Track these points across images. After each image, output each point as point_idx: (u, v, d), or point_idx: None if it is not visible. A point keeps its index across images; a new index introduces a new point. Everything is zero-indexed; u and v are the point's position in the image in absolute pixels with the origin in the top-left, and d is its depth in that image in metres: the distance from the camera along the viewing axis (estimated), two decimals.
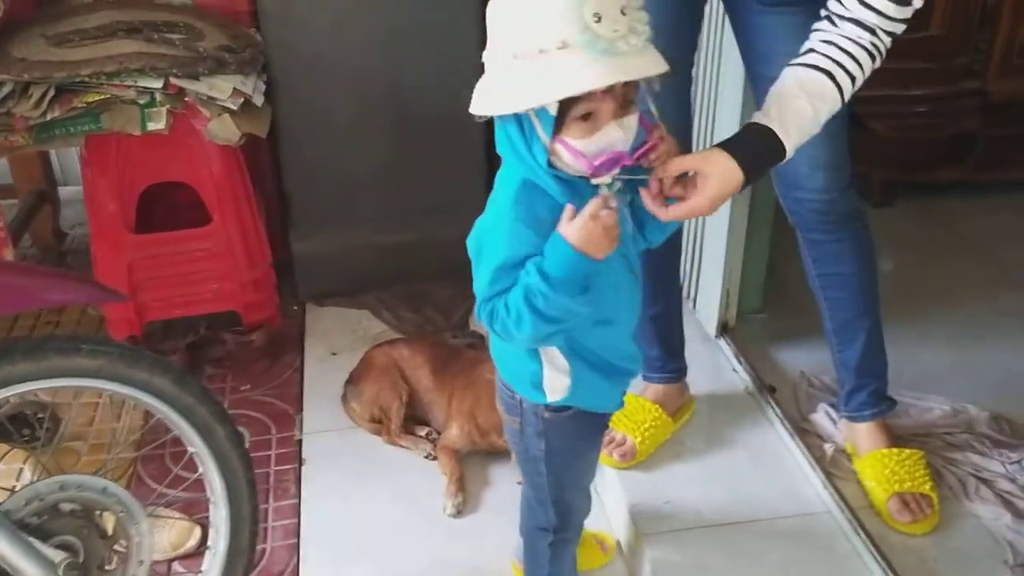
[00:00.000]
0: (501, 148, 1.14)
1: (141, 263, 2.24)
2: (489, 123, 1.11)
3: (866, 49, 1.20)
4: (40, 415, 1.93)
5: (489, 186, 1.18)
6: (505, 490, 1.87)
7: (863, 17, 1.19)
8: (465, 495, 1.86)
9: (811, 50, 1.21)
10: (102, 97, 2.00)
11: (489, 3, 1.06)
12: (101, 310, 2.40)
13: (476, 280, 1.16)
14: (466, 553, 1.74)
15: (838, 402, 1.81)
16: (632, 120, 1.07)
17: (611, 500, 1.78)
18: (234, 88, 2.08)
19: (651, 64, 1.01)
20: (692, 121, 1.75)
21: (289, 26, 2.27)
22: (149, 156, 2.16)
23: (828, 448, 1.79)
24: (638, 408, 1.82)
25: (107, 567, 1.38)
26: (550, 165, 1.09)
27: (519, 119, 1.07)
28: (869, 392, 1.74)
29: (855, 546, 1.60)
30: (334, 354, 2.32)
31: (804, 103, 1.17)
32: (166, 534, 1.78)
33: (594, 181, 1.09)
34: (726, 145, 1.15)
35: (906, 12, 1.20)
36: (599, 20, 0.97)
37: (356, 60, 2.32)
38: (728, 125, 1.92)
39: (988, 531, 1.64)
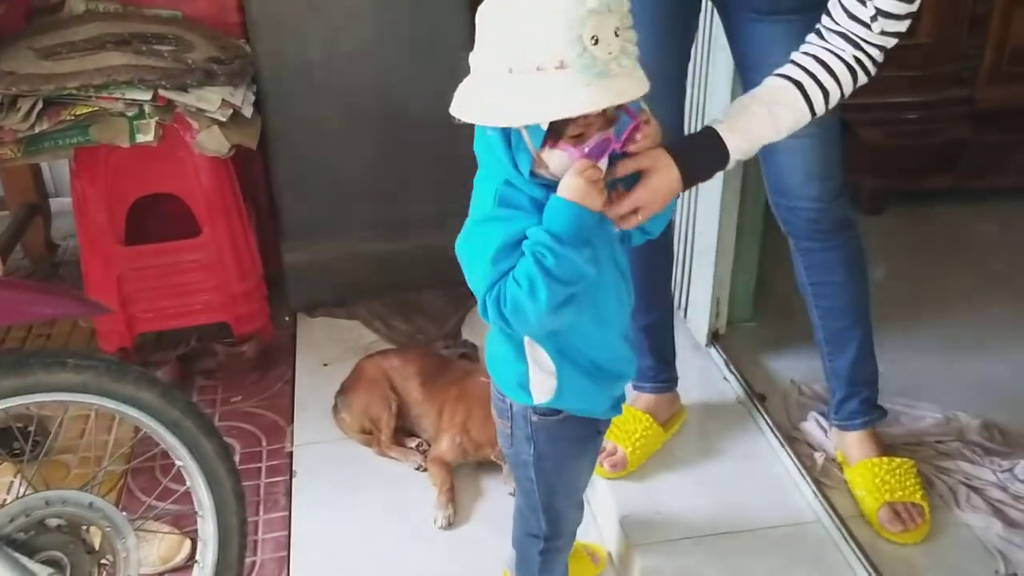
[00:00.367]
0: (480, 151, 1.16)
1: (131, 275, 2.24)
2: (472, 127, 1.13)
3: (846, 63, 1.21)
4: (29, 428, 1.93)
5: None
6: (496, 501, 1.87)
7: (850, 30, 1.20)
8: (456, 507, 1.85)
9: (791, 61, 1.23)
10: (90, 109, 2.00)
11: (482, 7, 1.06)
12: (92, 322, 2.39)
13: (473, 277, 1.15)
14: (457, 565, 1.74)
15: (829, 411, 1.81)
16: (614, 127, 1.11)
17: (602, 511, 1.78)
18: (223, 99, 2.08)
19: (639, 85, 1.05)
20: (684, 130, 1.75)
21: (279, 37, 2.27)
22: (138, 168, 2.16)
23: (819, 457, 1.78)
24: (629, 418, 1.81)
25: None
26: (532, 174, 1.11)
27: (505, 129, 1.09)
28: (860, 400, 1.74)
29: (846, 556, 1.60)
30: (325, 365, 2.31)
31: (762, 110, 1.20)
32: (155, 548, 1.78)
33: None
34: (671, 147, 1.18)
35: (897, 25, 1.20)
36: (596, 42, 0.99)
37: (346, 70, 2.32)
38: None
39: (979, 540, 1.64)
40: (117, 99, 2.01)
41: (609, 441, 1.78)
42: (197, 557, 1.53)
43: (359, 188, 2.45)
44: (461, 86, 1.10)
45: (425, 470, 1.94)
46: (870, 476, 1.68)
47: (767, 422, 1.88)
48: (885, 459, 1.70)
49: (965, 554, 1.62)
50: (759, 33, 1.43)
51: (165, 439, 1.45)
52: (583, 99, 1.01)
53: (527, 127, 1.07)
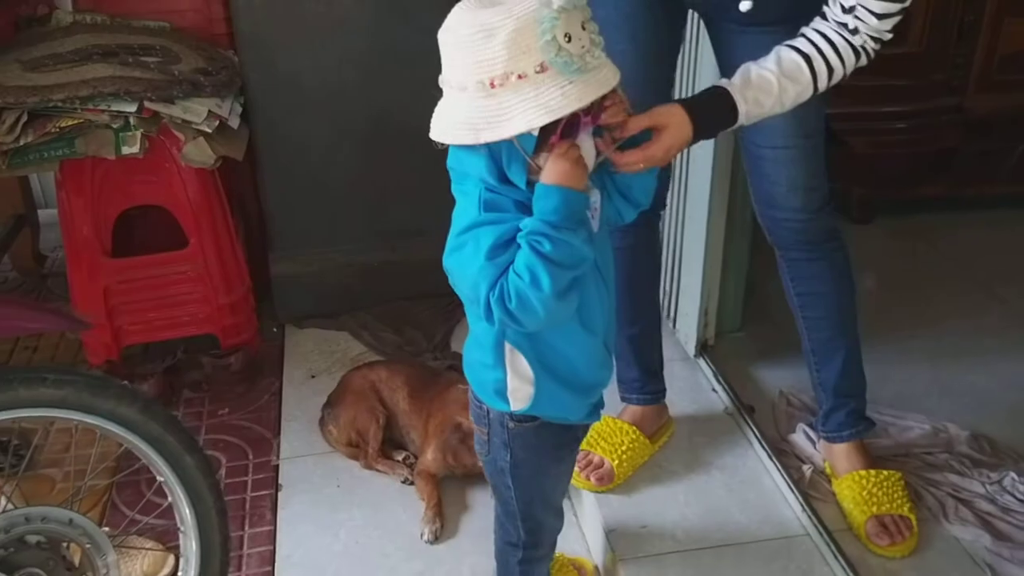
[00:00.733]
0: (456, 166, 1.16)
1: (117, 287, 2.22)
2: None
3: (852, 45, 1.25)
4: (16, 442, 1.92)
5: None
6: (483, 515, 1.85)
7: (846, 20, 1.24)
8: (443, 520, 1.84)
9: (802, 34, 1.27)
10: (76, 122, 1.99)
11: (444, 32, 1.07)
12: (79, 334, 2.38)
13: (469, 283, 1.13)
14: None
15: (816, 422, 1.80)
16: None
17: (588, 524, 1.77)
18: (209, 111, 2.08)
19: (614, 72, 1.08)
20: None
21: (266, 48, 2.27)
22: (125, 180, 2.15)
23: (807, 470, 1.78)
24: (616, 430, 1.80)
25: None
26: (528, 184, 1.11)
27: (491, 147, 1.09)
28: (847, 412, 1.73)
29: (833, 570, 1.59)
30: (313, 377, 2.30)
31: (771, 77, 1.24)
32: (138, 563, 1.76)
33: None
34: (683, 101, 1.23)
35: (888, 14, 1.22)
36: (569, 40, 1.02)
37: (334, 81, 2.31)
38: (703, 143, 1.91)
39: (967, 553, 1.62)
40: (103, 111, 1.99)
41: (595, 454, 1.77)
42: (180, 574, 1.51)
43: (347, 199, 2.45)
44: (438, 110, 1.10)
45: (412, 483, 1.93)
46: (857, 489, 1.67)
47: (755, 434, 1.87)
48: (873, 471, 1.69)
49: (953, 567, 1.61)
50: (744, 44, 1.43)
51: (146, 455, 1.44)
52: (573, 95, 1.03)
53: (519, 138, 1.07)
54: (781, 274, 1.69)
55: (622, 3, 1.46)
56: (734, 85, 1.24)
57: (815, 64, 1.24)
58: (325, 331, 2.48)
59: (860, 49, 1.26)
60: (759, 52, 1.33)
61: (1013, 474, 1.75)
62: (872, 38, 1.25)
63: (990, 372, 2.13)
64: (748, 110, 1.24)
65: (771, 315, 2.18)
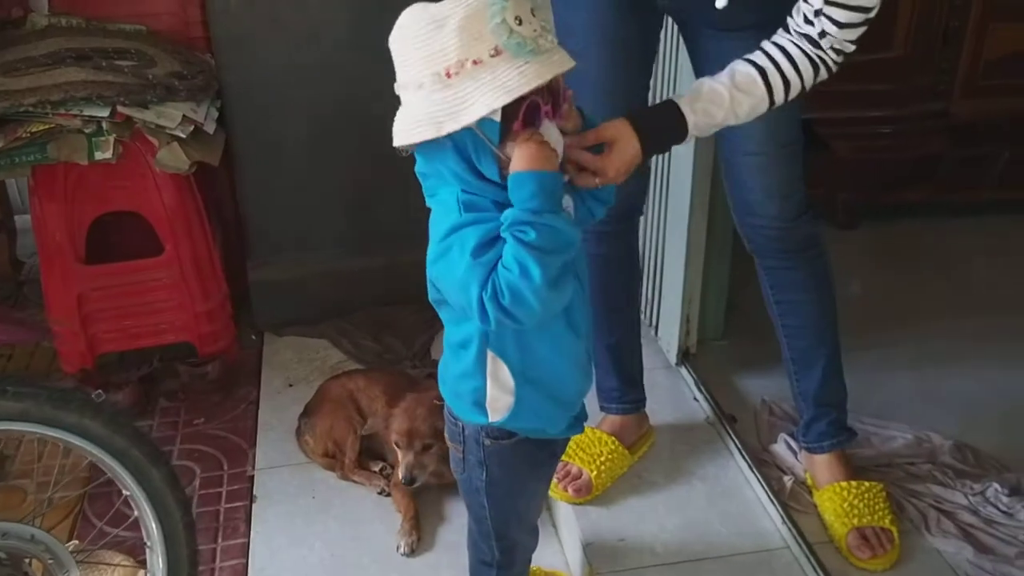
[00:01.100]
0: (427, 172, 1.14)
1: (92, 294, 2.19)
2: None
3: (809, 57, 1.23)
4: None
5: None
6: (460, 527, 1.80)
7: (809, 32, 1.21)
8: (419, 533, 1.81)
9: (760, 48, 1.25)
10: (47, 127, 1.96)
11: (395, 36, 1.07)
12: (53, 343, 2.34)
13: (459, 287, 1.09)
14: None
15: (797, 432, 1.77)
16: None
17: (566, 536, 1.74)
18: (184, 115, 2.05)
19: (569, 58, 1.07)
20: None
21: (243, 51, 2.24)
22: (99, 185, 2.12)
23: (787, 481, 1.75)
24: (594, 440, 1.78)
25: None
26: (501, 177, 1.09)
27: (455, 140, 1.07)
28: (828, 422, 1.71)
29: None
30: (291, 385, 2.27)
31: (723, 89, 1.22)
32: None
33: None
34: (630, 115, 1.21)
35: (849, 34, 1.19)
36: (520, 23, 1.01)
37: (312, 84, 2.29)
38: (683, 150, 1.89)
39: (949, 566, 1.60)
40: (75, 116, 1.96)
41: (573, 464, 1.74)
42: None
43: (326, 204, 2.42)
44: (398, 118, 1.09)
45: (388, 495, 1.90)
46: (838, 500, 1.65)
47: (736, 444, 1.84)
48: (854, 483, 1.67)
49: None
50: (719, 49, 1.41)
51: (111, 468, 1.41)
52: (530, 74, 1.02)
53: (483, 128, 1.05)
54: (760, 282, 1.67)
55: (595, 9, 1.44)
56: (683, 98, 1.22)
57: (770, 77, 1.23)
58: (304, 338, 2.45)
59: (819, 62, 1.23)
60: (735, 58, 1.31)
61: (996, 485, 1.72)
62: (835, 50, 1.23)
63: (975, 379, 2.11)
64: (697, 121, 1.22)
65: (754, 323, 2.14)
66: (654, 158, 2.04)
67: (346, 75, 2.27)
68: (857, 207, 2.79)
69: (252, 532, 1.85)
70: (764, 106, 1.24)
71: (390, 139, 2.53)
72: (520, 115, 1.05)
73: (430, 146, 1.08)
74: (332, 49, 2.26)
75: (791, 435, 1.83)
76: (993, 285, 2.51)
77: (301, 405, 2.09)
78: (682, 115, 1.21)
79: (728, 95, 1.22)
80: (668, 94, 1.89)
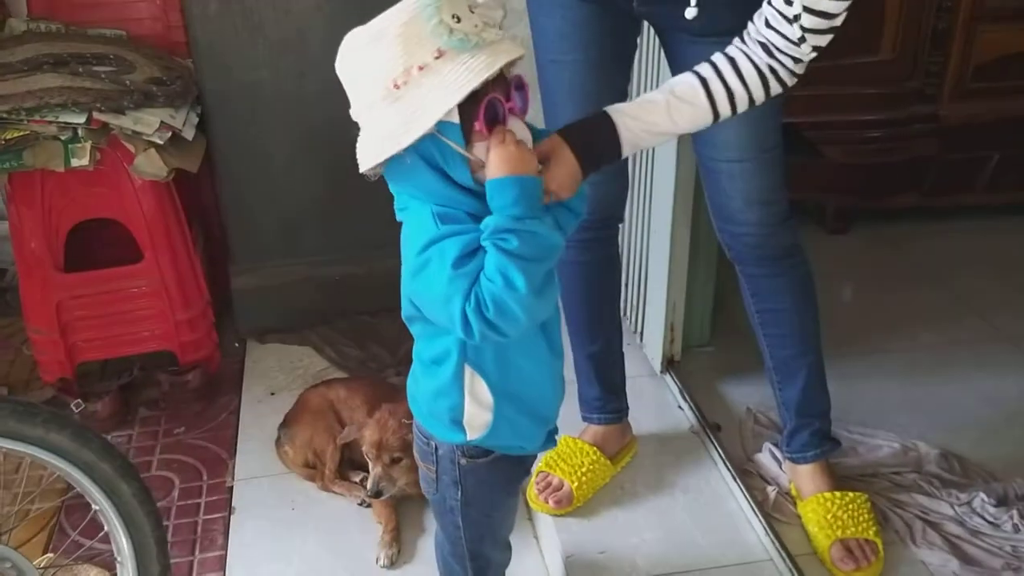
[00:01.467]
0: (399, 189, 1.11)
1: (71, 302, 2.17)
2: None
3: (758, 69, 1.19)
4: None
5: None
6: None
7: (768, 39, 1.18)
8: (400, 545, 1.78)
9: (708, 59, 1.22)
10: (22, 133, 1.93)
11: (340, 60, 1.06)
12: (33, 351, 2.32)
13: (440, 303, 1.06)
14: None
15: (781, 442, 1.75)
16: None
17: (547, 549, 1.72)
18: (162, 122, 2.02)
19: (517, 46, 1.05)
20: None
21: (223, 57, 2.21)
22: (77, 193, 2.09)
23: (771, 491, 1.73)
24: (576, 451, 1.75)
25: None
26: (476, 183, 1.07)
27: (421, 152, 1.04)
28: (811, 432, 1.68)
29: None
30: (272, 394, 2.24)
31: (660, 100, 1.18)
32: None
33: None
34: (563, 130, 1.17)
35: (819, 39, 1.16)
36: (459, 20, 1.00)
37: (294, 91, 2.26)
38: (666, 156, 1.87)
39: None
40: (50, 122, 1.94)
41: (554, 475, 1.72)
42: None
43: (309, 210, 2.39)
44: (359, 145, 1.07)
45: (369, 506, 1.87)
46: (822, 511, 1.63)
47: (720, 454, 1.82)
48: (838, 493, 1.65)
49: None
50: (696, 55, 1.37)
51: (79, 483, 1.38)
52: (478, 68, 1.00)
53: (447, 133, 1.03)
54: (741, 290, 1.64)
55: (571, 12, 1.42)
56: (618, 108, 1.18)
57: (711, 86, 1.18)
58: (287, 346, 2.42)
59: (769, 74, 1.19)
60: None
61: (983, 495, 1.70)
62: (793, 58, 1.18)
63: (963, 387, 2.09)
64: (630, 124, 1.17)
65: (741, 329, 2.10)
66: (636, 163, 2.02)
67: (328, 81, 2.22)
68: (847, 211, 2.77)
69: (230, 544, 1.83)
70: (707, 116, 1.19)
71: None
72: (480, 114, 1.03)
73: (396, 165, 1.05)
74: (314, 54, 2.23)
75: (776, 444, 1.81)
76: (983, 290, 2.49)
77: (283, 414, 2.06)
78: (615, 127, 1.16)
79: (665, 103, 1.17)
80: None
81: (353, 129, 2.48)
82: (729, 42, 1.29)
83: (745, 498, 1.71)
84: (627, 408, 1.83)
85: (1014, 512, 1.67)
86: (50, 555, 1.78)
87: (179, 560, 1.80)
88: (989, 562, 1.60)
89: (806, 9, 1.12)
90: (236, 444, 2.10)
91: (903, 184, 2.69)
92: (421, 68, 0.99)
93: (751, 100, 1.19)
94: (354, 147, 2.36)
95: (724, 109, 1.19)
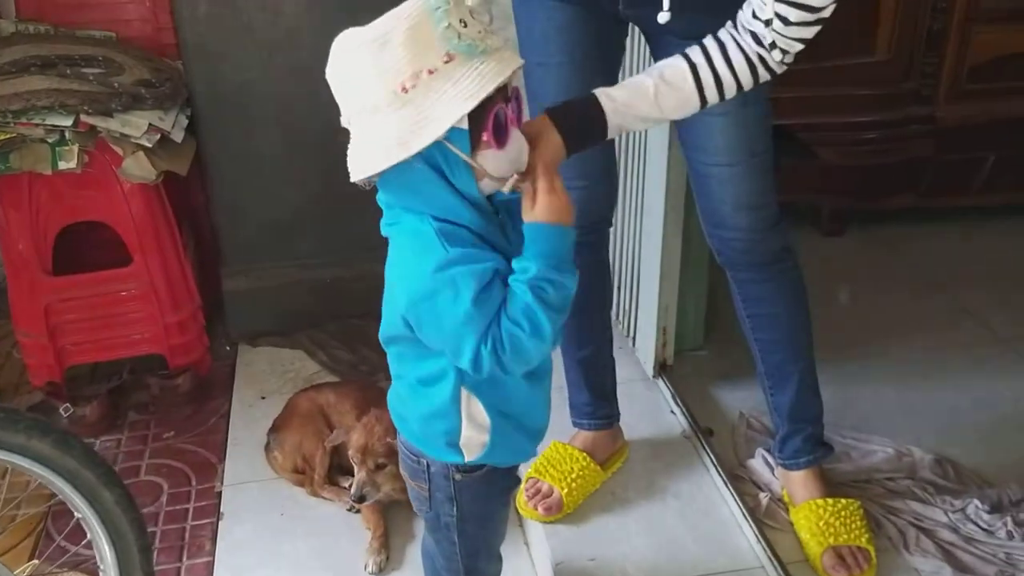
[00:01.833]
0: (392, 200, 1.08)
1: (59, 306, 2.16)
2: None
3: (747, 57, 1.17)
4: None
5: None
6: None
7: (756, 29, 1.16)
8: (388, 552, 1.77)
9: (698, 42, 1.20)
10: (8, 136, 1.92)
11: (337, 63, 1.02)
12: (22, 355, 2.30)
13: (448, 333, 1.04)
14: None
15: (773, 448, 1.73)
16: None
17: (537, 555, 1.70)
18: (150, 124, 2.01)
19: (516, 56, 1.04)
20: (616, 153, 1.67)
21: (213, 58, 2.20)
22: (65, 195, 2.08)
23: (763, 498, 1.71)
24: (566, 457, 1.74)
25: None
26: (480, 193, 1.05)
27: (426, 158, 1.01)
28: (803, 438, 1.67)
29: None
30: (263, 398, 2.23)
31: (648, 82, 1.17)
32: None
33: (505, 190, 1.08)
34: (549, 110, 1.15)
35: (801, 32, 1.15)
36: (466, 25, 0.98)
37: (284, 92, 2.24)
38: (657, 158, 1.86)
39: None
40: (37, 125, 1.93)
41: (544, 481, 1.70)
42: None
43: (301, 212, 2.38)
44: (354, 151, 1.03)
45: (358, 511, 1.86)
46: (814, 518, 1.61)
47: (712, 460, 1.80)
48: (830, 500, 1.63)
49: None
50: None
51: (61, 490, 1.36)
52: (489, 75, 0.98)
53: (454, 140, 1.00)
54: (732, 295, 1.63)
55: (557, 15, 1.40)
56: (606, 90, 1.16)
57: (700, 73, 1.16)
58: (279, 349, 2.41)
59: (758, 63, 1.17)
60: None
61: (976, 501, 1.68)
62: (781, 50, 1.16)
63: (959, 390, 2.08)
64: (617, 110, 1.15)
65: (735, 332, 2.09)
66: (627, 166, 2.01)
67: (319, 82, 2.21)
68: (843, 213, 2.75)
69: (218, 551, 1.81)
70: (695, 102, 1.17)
71: None
72: (489, 124, 1.01)
73: (397, 174, 1.01)
74: (304, 56, 2.21)
75: (768, 450, 1.79)
76: (979, 292, 2.47)
77: (272, 418, 2.04)
78: (601, 108, 1.14)
79: (652, 87, 1.15)
80: None
81: (345, 133, 2.47)
82: None
83: (737, 504, 1.69)
84: (618, 414, 1.82)
85: (1008, 519, 1.65)
86: (34, 562, 1.77)
87: (166, 566, 1.79)
88: (983, 569, 1.58)
89: (792, 3, 1.10)
90: (226, 449, 2.08)
91: (899, 186, 2.67)
92: (431, 72, 0.97)
93: (739, 87, 1.18)
94: (345, 151, 2.34)
95: (712, 96, 1.18)
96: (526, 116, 1.13)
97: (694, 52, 1.18)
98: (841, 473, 1.77)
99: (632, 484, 1.78)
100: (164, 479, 2.02)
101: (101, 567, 1.42)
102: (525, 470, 1.73)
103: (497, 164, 1.04)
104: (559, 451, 1.74)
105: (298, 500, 1.92)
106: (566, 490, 1.69)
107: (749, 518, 1.65)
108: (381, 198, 1.11)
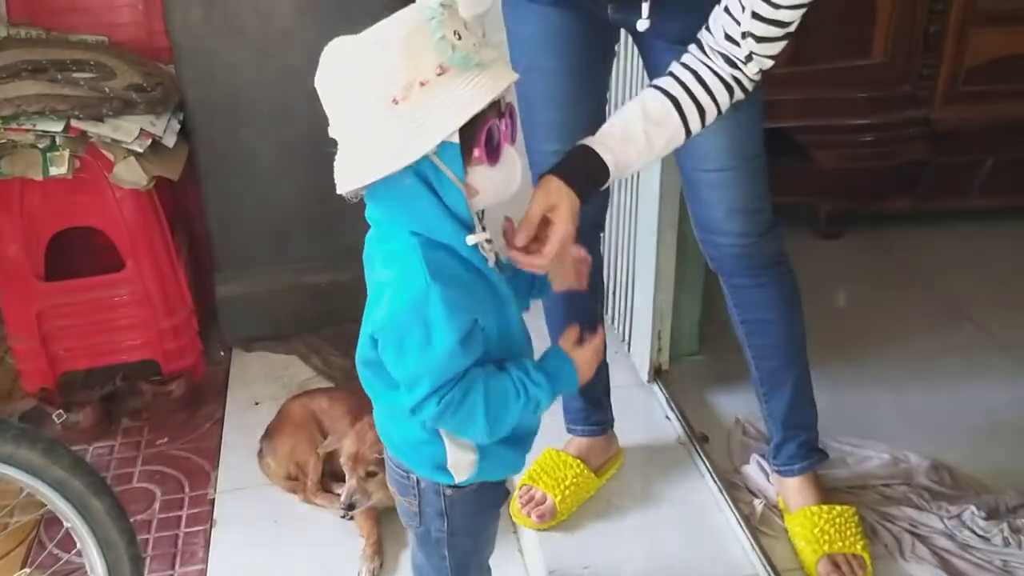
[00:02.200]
0: (384, 217, 1.06)
1: (52, 311, 2.15)
2: None
3: (724, 81, 1.16)
4: None
5: None
6: None
7: (728, 50, 1.15)
8: (382, 558, 1.76)
9: (670, 74, 1.18)
10: None
11: (328, 71, 0.99)
12: (14, 361, 2.29)
13: (403, 368, 1.04)
14: None
15: (768, 454, 1.72)
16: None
17: (531, 563, 1.69)
18: (142, 129, 2.00)
19: (510, 70, 1.02)
20: None
21: (206, 63, 2.19)
22: (56, 201, 2.07)
23: (758, 505, 1.70)
24: (559, 464, 1.72)
25: None
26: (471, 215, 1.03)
27: (417, 171, 0.98)
28: (798, 444, 1.65)
29: None
30: (257, 404, 2.22)
31: (637, 128, 1.16)
32: None
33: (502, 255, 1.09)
34: (556, 171, 1.13)
35: (769, 48, 1.14)
36: (460, 37, 0.95)
37: (277, 96, 2.23)
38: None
39: None
40: (27, 130, 1.92)
41: (537, 489, 1.69)
42: None
43: (294, 217, 2.37)
44: (343, 162, 1.00)
45: (352, 518, 1.85)
46: (809, 526, 1.60)
47: (707, 466, 1.79)
48: (825, 507, 1.62)
49: None
50: (672, 61, 1.35)
51: (50, 499, 1.36)
52: (482, 87, 0.96)
53: (444, 153, 0.97)
54: (726, 301, 1.61)
55: (547, 20, 1.39)
56: (595, 140, 1.15)
57: (683, 107, 1.15)
58: (273, 355, 2.40)
59: (733, 84, 1.17)
60: None
61: (973, 508, 1.67)
62: (754, 65, 1.16)
63: (955, 395, 2.07)
64: (616, 160, 1.14)
65: (731, 337, 2.08)
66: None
67: (311, 86, 2.21)
68: (840, 216, 2.74)
69: (210, 558, 1.80)
70: (680, 137, 1.17)
71: None
72: (481, 140, 0.99)
73: (385, 187, 0.99)
74: (298, 59, 2.18)
75: (763, 456, 1.78)
76: (976, 296, 2.46)
77: (266, 424, 2.03)
78: (601, 159, 1.13)
79: (643, 132, 1.15)
80: None
81: None
82: None
83: (732, 511, 1.68)
84: (612, 420, 1.80)
85: (1004, 525, 1.64)
86: (26, 570, 1.76)
87: (160, 573, 1.78)
88: None
89: (756, 16, 1.09)
90: (219, 455, 2.07)
91: (896, 189, 2.67)
92: (423, 84, 0.95)
93: (719, 112, 1.17)
94: None
95: (695, 127, 1.17)
96: (519, 132, 1.10)
97: (671, 85, 1.17)
98: (836, 479, 1.76)
99: (627, 491, 1.77)
100: (157, 486, 2.01)
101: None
102: (519, 478, 1.72)
103: (489, 181, 1.02)
104: (553, 458, 1.73)
105: (292, 507, 1.91)
106: (559, 497, 1.68)
107: (744, 525, 1.64)
108: (369, 213, 1.08)
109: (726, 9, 1.13)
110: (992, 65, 2.52)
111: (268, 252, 2.40)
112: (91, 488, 1.37)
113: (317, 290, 2.42)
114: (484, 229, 1.06)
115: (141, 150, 1.97)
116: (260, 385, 2.29)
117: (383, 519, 1.82)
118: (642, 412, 1.98)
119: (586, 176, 1.13)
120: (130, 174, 1.98)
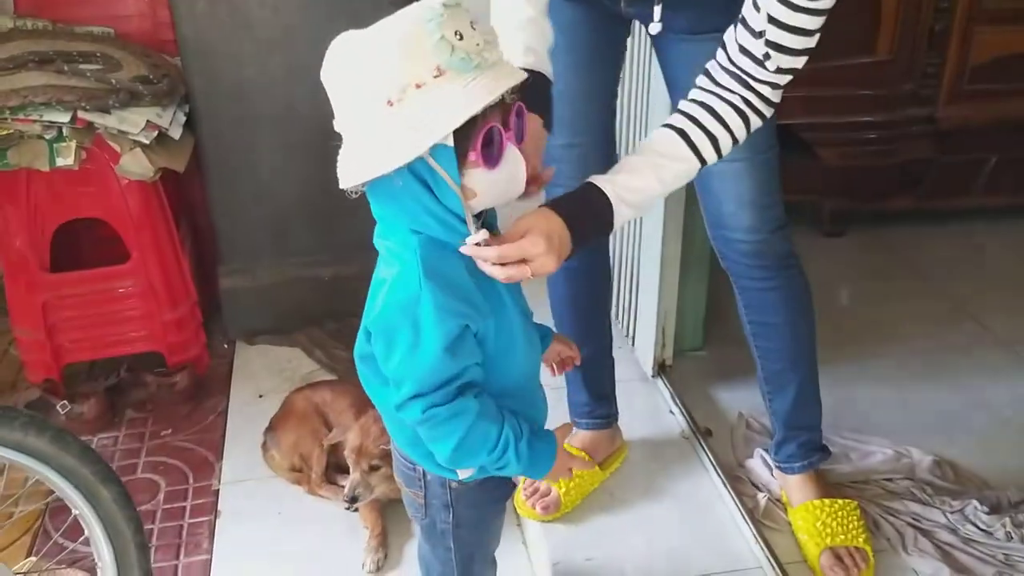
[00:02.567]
0: (386, 214, 1.06)
1: (57, 303, 2.15)
2: None
3: (735, 107, 1.14)
4: None
5: None
6: None
7: (741, 67, 1.14)
8: (386, 550, 1.76)
9: (677, 110, 1.16)
10: (5, 132, 1.91)
11: (329, 66, 0.99)
12: (19, 352, 2.29)
13: (391, 364, 1.04)
14: None
15: (770, 450, 1.73)
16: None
17: (534, 555, 1.69)
18: (148, 121, 2.00)
19: (517, 71, 1.00)
20: (617, 154, 1.67)
21: (212, 55, 2.19)
22: (62, 192, 2.07)
23: (761, 498, 1.71)
24: None
25: None
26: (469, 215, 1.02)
27: (413, 171, 0.98)
28: (799, 444, 1.66)
29: None
30: (261, 396, 2.22)
31: (644, 162, 1.13)
32: None
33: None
34: (550, 202, 1.10)
35: (792, 62, 1.13)
36: (461, 38, 0.93)
37: (282, 89, 2.24)
38: None
39: None
40: (34, 121, 1.92)
41: (542, 481, 1.70)
42: None
43: (298, 211, 2.37)
44: (345, 157, 1.00)
45: (356, 510, 1.85)
46: (811, 519, 1.61)
47: (711, 460, 1.79)
48: (827, 501, 1.63)
49: None
50: (685, 53, 1.36)
51: (59, 487, 1.36)
52: (479, 91, 0.94)
53: (439, 155, 0.97)
54: (736, 301, 1.61)
55: (558, 14, 1.38)
56: (603, 177, 1.11)
57: (692, 136, 1.13)
58: (277, 347, 2.40)
59: (746, 108, 1.14)
60: (702, 60, 1.27)
61: (975, 502, 1.68)
62: (771, 84, 1.14)
63: (958, 392, 2.08)
64: (622, 196, 1.10)
65: (735, 333, 2.08)
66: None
67: (317, 79, 2.21)
68: (843, 214, 2.75)
69: (215, 549, 1.80)
70: (695, 167, 1.14)
71: None
72: (477, 144, 0.98)
73: (384, 184, 0.99)
74: (303, 53, 2.20)
75: (767, 450, 1.79)
76: (979, 293, 2.47)
77: (270, 416, 2.04)
78: (605, 196, 1.09)
79: (651, 164, 1.12)
80: (641, 99, 1.85)
81: None
82: (716, 40, 1.26)
83: (735, 505, 1.69)
84: (616, 413, 1.81)
85: (1007, 520, 1.65)
86: (32, 559, 1.76)
87: (164, 564, 1.79)
88: (981, 570, 1.58)
89: (774, 22, 1.08)
90: (223, 447, 2.07)
91: (900, 187, 2.67)
92: (418, 86, 0.93)
93: (735, 140, 1.15)
94: None
95: (711, 156, 1.15)
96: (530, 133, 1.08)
97: (678, 120, 1.15)
98: (840, 474, 1.77)
99: (631, 484, 1.78)
100: (161, 477, 2.01)
101: (99, 564, 1.42)
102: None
103: (487, 184, 1.01)
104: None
105: (296, 498, 1.91)
106: (564, 489, 1.69)
107: (747, 519, 1.65)
108: (374, 209, 1.08)
109: (742, 20, 1.12)
110: (996, 64, 2.52)
111: (272, 245, 2.40)
112: (99, 476, 1.38)
113: (320, 284, 2.43)
114: (483, 229, 1.04)
115: (147, 142, 1.98)
116: (264, 378, 2.29)
117: (387, 511, 1.83)
118: (646, 406, 1.99)
119: (580, 207, 1.09)
120: (136, 166, 1.98)
